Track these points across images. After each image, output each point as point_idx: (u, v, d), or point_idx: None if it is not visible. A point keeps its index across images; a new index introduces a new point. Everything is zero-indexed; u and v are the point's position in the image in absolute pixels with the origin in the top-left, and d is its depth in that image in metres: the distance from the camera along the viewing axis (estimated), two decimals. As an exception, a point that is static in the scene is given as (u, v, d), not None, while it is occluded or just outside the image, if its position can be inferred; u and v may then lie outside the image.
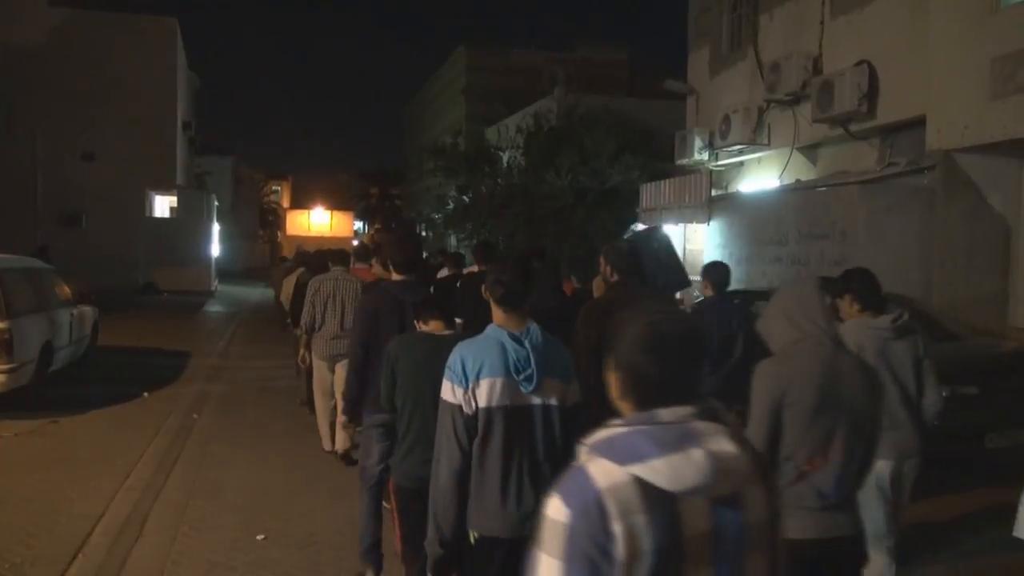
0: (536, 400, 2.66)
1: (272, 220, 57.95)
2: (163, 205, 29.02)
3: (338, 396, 6.12)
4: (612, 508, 1.41)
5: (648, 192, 13.51)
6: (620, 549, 1.40)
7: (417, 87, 55.56)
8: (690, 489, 1.43)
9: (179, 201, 28.07)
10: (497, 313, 2.81)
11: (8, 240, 15.23)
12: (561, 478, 1.53)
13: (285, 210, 61.33)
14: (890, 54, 8.77)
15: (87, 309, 10.73)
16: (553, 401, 2.68)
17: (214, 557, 4.73)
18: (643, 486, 1.42)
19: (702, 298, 5.82)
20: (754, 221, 10.12)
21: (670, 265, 6.28)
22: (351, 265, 7.80)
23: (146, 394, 9.38)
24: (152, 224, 26.59)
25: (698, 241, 12.15)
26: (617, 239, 5.09)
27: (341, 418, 4.87)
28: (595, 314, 3.89)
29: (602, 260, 4.34)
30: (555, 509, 1.46)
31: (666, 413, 1.51)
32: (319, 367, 6.88)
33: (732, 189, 12.53)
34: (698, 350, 1.66)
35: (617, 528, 1.40)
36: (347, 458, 6.45)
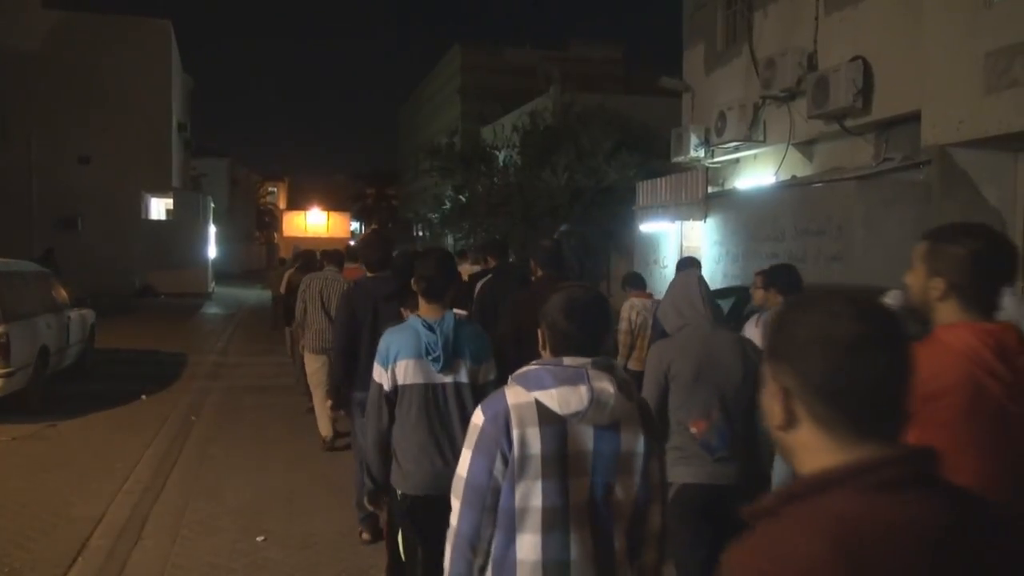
0: (447, 379, 3.09)
1: (269, 221, 57.90)
2: (159, 207, 28.97)
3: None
4: (514, 419, 1.98)
5: (644, 190, 13.51)
6: (515, 449, 1.96)
7: (412, 87, 55.54)
8: (573, 413, 1.96)
9: (175, 203, 28.03)
10: (421, 303, 3.27)
11: (4, 244, 15.21)
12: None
13: (281, 211, 61.33)
14: (884, 49, 8.78)
15: (84, 312, 10.71)
16: (464, 379, 3.10)
17: (214, 559, 4.72)
18: (540, 407, 1.98)
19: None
20: (751, 218, 10.13)
21: (588, 260, 6.81)
22: (344, 265, 8.11)
23: (144, 396, 9.37)
24: (148, 227, 26.55)
25: (695, 238, 12.16)
26: (545, 239, 5.59)
27: (327, 402, 5.52)
28: (518, 307, 4.35)
29: (531, 259, 5.00)
30: (476, 416, 2.04)
31: (569, 360, 2.04)
32: (310, 360, 7.29)
33: (728, 186, 12.53)
34: (601, 316, 2.12)
35: (515, 433, 1.96)
36: (330, 444, 7.04)
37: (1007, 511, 1.06)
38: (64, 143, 24.31)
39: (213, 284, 27.88)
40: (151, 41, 26.47)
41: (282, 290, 10.41)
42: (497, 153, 19.57)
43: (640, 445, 2.07)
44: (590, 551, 2.01)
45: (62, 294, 9.98)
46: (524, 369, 2.08)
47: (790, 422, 1.09)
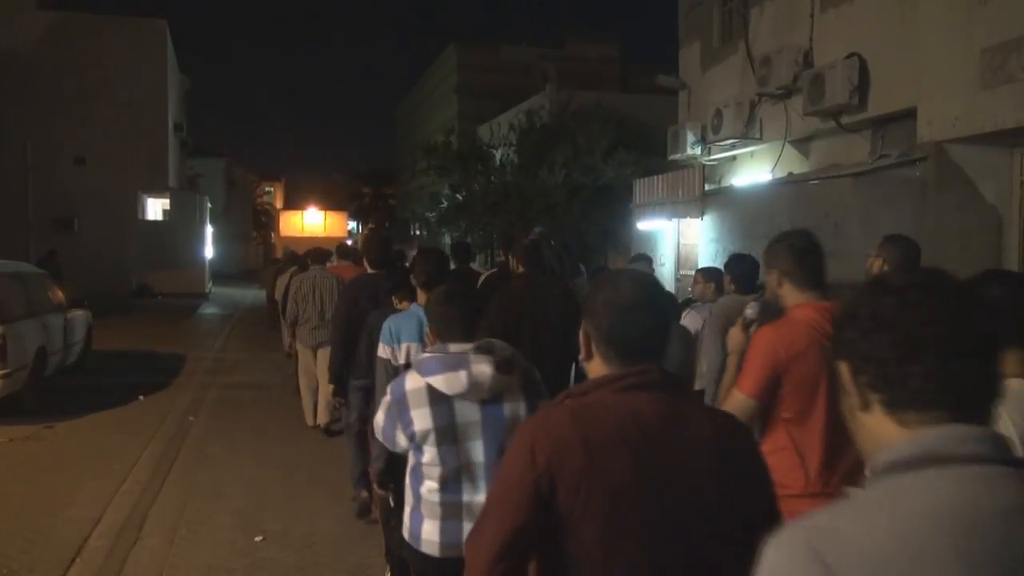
0: None
1: (265, 221, 57.81)
2: (156, 208, 28.92)
3: (321, 378, 7.35)
4: (411, 401, 2.52)
5: (641, 188, 13.51)
6: (416, 425, 2.50)
7: (408, 86, 55.49)
8: (458, 394, 2.48)
9: (172, 203, 27.98)
10: (420, 294, 3.80)
11: (1, 246, 15.19)
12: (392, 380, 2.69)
13: (278, 211, 61.30)
14: (880, 46, 8.78)
15: (81, 313, 10.70)
16: None
17: (212, 559, 4.72)
18: (431, 389, 2.50)
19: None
20: (747, 215, 10.13)
21: (565, 259, 7.37)
22: (334, 262, 8.85)
23: (142, 397, 9.36)
24: (145, 227, 26.50)
25: (692, 236, 12.17)
26: (524, 238, 6.30)
27: (328, 388, 5.90)
28: (501, 301, 4.82)
29: (512, 256, 5.41)
30: (387, 394, 2.61)
31: (453, 347, 2.56)
32: (303, 353, 7.83)
33: (725, 183, 12.53)
34: (470, 308, 2.66)
35: (413, 413, 2.51)
36: (328, 430, 7.54)
37: (702, 406, 1.61)
38: (60, 144, 24.26)
39: (210, 284, 27.85)
40: (147, 41, 26.41)
41: (278, 294, 10.75)
42: (494, 152, 19.55)
43: (522, 410, 2.58)
44: (482, 496, 2.50)
45: (59, 295, 9.96)
46: (421, 357, 2.63)
47: (589, 355, 1.66)
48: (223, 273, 35.27)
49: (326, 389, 6.70)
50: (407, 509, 2.69)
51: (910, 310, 0.99)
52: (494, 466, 2.46)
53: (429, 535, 2.58)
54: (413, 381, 2.55)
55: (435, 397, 2.51)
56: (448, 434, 2.52)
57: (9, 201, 23.27)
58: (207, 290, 26.80)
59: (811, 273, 2.67)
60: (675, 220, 12.43)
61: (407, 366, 3.40)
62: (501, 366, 2.52)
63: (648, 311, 1.62)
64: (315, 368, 7.66)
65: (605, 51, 37.73)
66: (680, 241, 12.39)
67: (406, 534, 2.68)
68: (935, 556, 0.86)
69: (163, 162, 26.98)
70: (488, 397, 2.53)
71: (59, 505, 5.59)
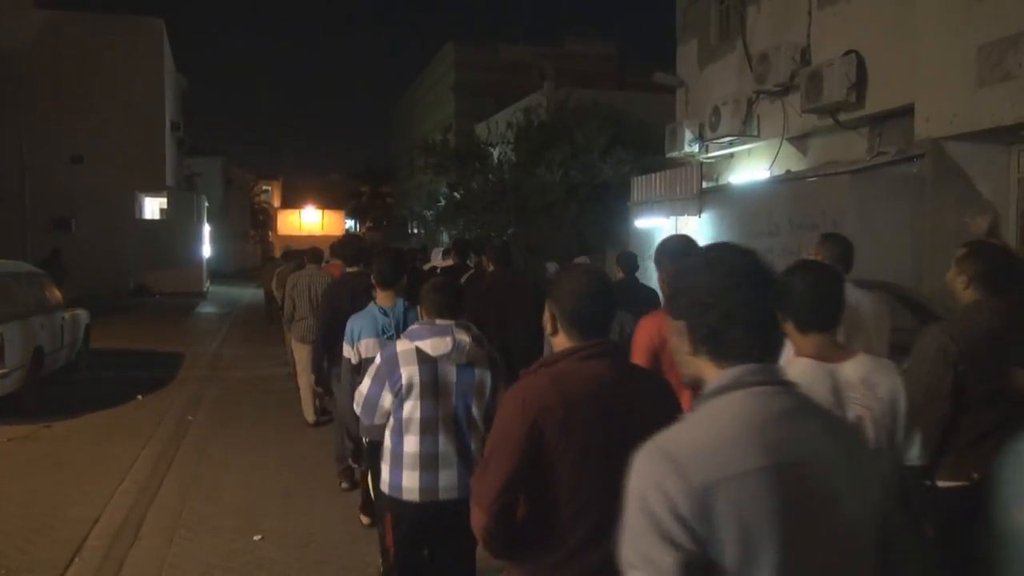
0: None
1: (263, 220, 57.76)
2: (153, 207, 28.88)
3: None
4: (400, 360, 3.03)
5: (639, 185, 13.52)
6: (403, 381, 3.01)
7: (406, 84, 55.41)
8: (441, 355, 3.03)
9: (169, 203, 27.93)
10: (378, 293, 4.20)
11: (-3, 245, 15.15)
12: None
13: (276, 210, 61.25)
14: (878, 43, 8.79)
15: (78, 312, 10.68)
16: None
17: (211, 559, 4.72)
18: (419, 352, 3.03)
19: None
20: (745, 212, 10.14)
21: (531, 258, 8.19)
22: (328, 260, 9.07)
23: (140, 397, 9.35)
24: (142, 226, 26.46)
25: (690, 233, 12.17)
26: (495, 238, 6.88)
27: (312, 379, 6.37)
28: (474, 293, 5.41)
29: (484, 256, 6.29)
30: (377, 358, 3.14)
31: (440, 320, 3.13)
32: (299, 348, 7.94)
33: (723, 181, 12.54)
34: (454, 294, 3.21)
35: (402, 371, 3.02)
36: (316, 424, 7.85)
37: (641, 368, 2.05)
38: (57, 143, 24.20)
39: (208, 283, 27.82)
40: (144, 40, 26.36)
41: (276, 289, 11.11)
42: (492, 150, 19.53)
43: (488, 378, 3.13)
44: (453, 448, 3.06)
45: (56, 294, 9.94)
46: (412, 328, 3.19)
47: (555, 331, 2.10)
48: (221, 272, 35.24)
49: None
50: (386, 467, 3.12)
51: (732, 289, 1.41)
52: (464, 418, 3.10)
53: (410, 483, 3.04)
54: (403, 345, 3.10)
55: (422, 357, 3.05)
56: (430, 389, 3.04)
57: (6, 201, 23.21)
58: (205, 289, 26.77)
59: None
60: (673, 218, 12.44)
61: (364, 362, 3.82)
62: (477, 340, 3.14)
63: (601, 297, 2.07)
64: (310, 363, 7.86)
65: (603, 49, 37.74)
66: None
67: (386, 488, 3.12)
68: (737, 442, 1.30)
69: (160, 161, 26.95)
70: (464, 362, 3.09)
71: (57, 504, 5.58)
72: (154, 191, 27.49)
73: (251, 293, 25.95)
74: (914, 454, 2.41)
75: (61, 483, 6.08)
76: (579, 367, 1.98)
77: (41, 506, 5.56)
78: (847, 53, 8.96)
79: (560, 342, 2.09)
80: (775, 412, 1.35)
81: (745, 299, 1.40)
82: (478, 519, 1.97)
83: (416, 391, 3.02)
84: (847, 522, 1.35)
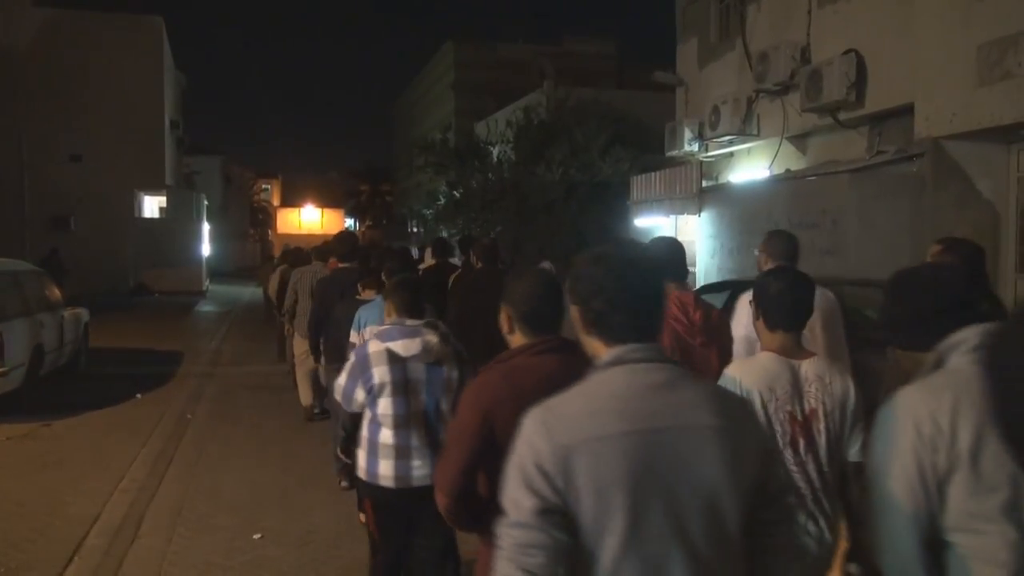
0: None
1: (263, 219, 57.75)
2: (152, 205, 28.87)
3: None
4: (372, 360, 3.23)
5: (638, 184, 13.52)
6: (375, 380, 3.21)
7: (405, 83, 55.37)
8: (411, 356, 3.23)
9: (168, 201, 27.92)
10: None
11: (-4, 243, 15.14)
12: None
13: (275, 208, 61.22)
14: (877, 42, 8.79)
15: (78, 311, 10.67)
16: None
17: (211, 557, 4.72)
18: (389, 352, 3.23)
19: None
20: (745, 211, 10.13)
21: (517, 256, 8.73)
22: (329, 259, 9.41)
23: (139, 395, 9.35)
24: (142, 225, 26.45)
25: (689, 232, 12.17)
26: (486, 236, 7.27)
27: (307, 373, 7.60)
28: (459, 291, 6.07)
29: (471, 253, 6.86)
30: (351, 357, 3.34)
31: (409, 321, 3.33)
32: (299, 342, 8.15)
33: (722, 180, 12.54)
34: (418, 293, 3.43)
35: (374, 371, 3.22)
36: (309, 413, 8.08)
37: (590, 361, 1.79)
38: (56, 141, 24.20)
39: (207, 282, 27.80)
40: (143, 39, 26.34)
41: (272, 289, 11.26)
42: (491, 148, 19.52)
43: (455, 374, 3.34)
44: (426, 440, 3.28)
45: (55, 293, 9.94)
46: (382, 328, 3.39)
47: (511, 330, 2.30)
48: (220, 271, 35.22)
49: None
50: (363, 455, 3.33)
51: (615, 280, 1.60)
52: (434, 413, 3.31)
53: (386, 471, 3.26)
54: (375, 346, 3.28)
55: (392, 358, 3.25)
56: (400, 387, 3.25)
57: (5, 199, 23.21)
58: (204, 288, 26.75)
59: (673, 269, 3.45)
60: (672, 217, 12.44)
61: None
62: (444, 338, 3.34)
63: (550, 298, 2.26)
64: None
65: (602, 48, 37.74)
66: (677, 238, 12.37)
67: (363, 475, 3.34)
68: (601, 410, 1.50)
69: (159, 160, 26.94)
70: (432, 361, 3.30)
71: (56, 503, 5.58)
72: (153, 190, 27.48)
73: (250, 292, 25.93)
74: (855, 451, 2.52)
75: (60, 481, 6.08)
76: (531, 361, 2.19)
77: (40, 504, 5.56)
78: (847, 52, 8.96)
79: (516, 340, 2.29)
80: (644, 385, 1.54)
81: (626, 288, 1.60)
82: (440, 501, 2.22)
83: (388, 389, 3.23)
84: (705, 488, 1.49)
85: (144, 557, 4.73)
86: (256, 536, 5.04)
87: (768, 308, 2.59)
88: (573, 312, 1.69)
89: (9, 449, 7.05)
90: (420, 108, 46.87)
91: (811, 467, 2.47)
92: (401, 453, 3.24)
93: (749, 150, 11.92)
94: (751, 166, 11.87)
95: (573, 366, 2.01)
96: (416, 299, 3.38)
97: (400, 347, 3.23)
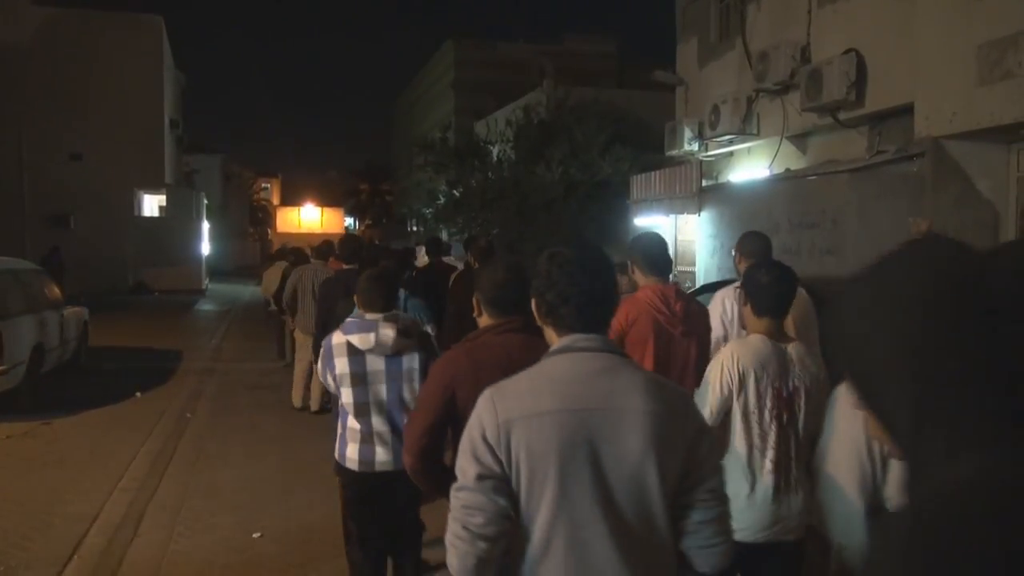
0: None
1: (262, 218, 57.72)
2: (152, 204, 28.85)
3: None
4: (335, 352, 3.42)
5: (638, 184, 13.51)
6: (337, 371, 3.40)
7: (405, 82, 55.33)
8: (368, 348, 3.38)
9: (168, 200, 27.91)
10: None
11: (-4, 242, 15.14)
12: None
13: (275, 207, 61.18)
14: (878, 42, 8.78)
15: (77, 310, 10.67)
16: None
17: (210, 556, 4.72)
18: (349, 345, 3.39)
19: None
20: (745, 211, 10.13)
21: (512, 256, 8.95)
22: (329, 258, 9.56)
23: (139, 394, 9.35)
24: (141, 223, 26.43)
25: (689, 232, 12.17)
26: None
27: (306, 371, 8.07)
28: (458, 288, 6.42)
29: (470, 254, 7.36)
30: (321, 348, 3.54)
31: (369, 315, 3.43)
32: (300, 338, 8.46)
33: (722, 179, 12.53)
34: (385, 287, 3.54)
35: (336, 361, 3.41)
36: (319, 409, 8.20)
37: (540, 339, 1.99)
38: (55, 140, 24.18)
39: (207, 281, 27.79)
40: (143, 37, 26.32)
41: (271, 285, 11.43)
42: (491, 148, 19.52)
43: (416, 363, 3.45)
44: (387, 428, 3.44)
45: (55, 291, 9.94)
46: (346, 323, 3.50)
47: (480, 312, 2.55)
48: (220, 270, 35.20)
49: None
50: (338, 438, 3.58)
51: (566, 276, 1.81)
52: (396, 403, 3.46)
53: (352, 455, 3.48)
54: (337, 338, 3.47)
55: (352, 350, 3.42)
56: (360, 379, 3.42)
57: (5, 198, 23.20)
58: (204, 286, 26.75)
59: (654, 263, 3.75)
60: (672, 216, 12.43)
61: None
62: (402, 331, 3.42)
63: (514, 285, 2.47)
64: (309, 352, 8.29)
65: (603, 47, 37.73)
66: (677, 237, 12.40)
67: (336, 455, 3.59)
68: (540, 390, 1.70)
69: (159, 158, 26.92)
70: (391, 353, 3.42)
71: (56, 501, 5.58)
72: (153, 188, 27.47)
73: (250, 291, 25.92)
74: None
75: (60, 480, 6.08)
76: (494, 340, 2.44)
77: (40, 502, 5.56)
78: (847, 52, 8.95)
79: (484, 321, 2.56)
80: (585, 371, 1.73)
81: (575, 284, 1.80)
82: (406, 459, 2.46)
83: (348, 380, 3.42)
84: (630, 465, 1.66)
85: (144, 555, 4.73)
86: (256, 534, 5.04)
87: (757, 296, 2.91)
88: (533, 303, 1.92)
89: (9, 447, 7.05)
90: (420, 107, 46.86)
91: (792, 439, 2.81)
92: (365, 439, 3.45)
93: (749, 150, 11.92)
94: (751, 166, 11.87)
95: (532, 345, 2.15)
96: (383, 295, 3.50)
97: (357, 340, 3.39)
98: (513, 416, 1.67)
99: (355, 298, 3.64)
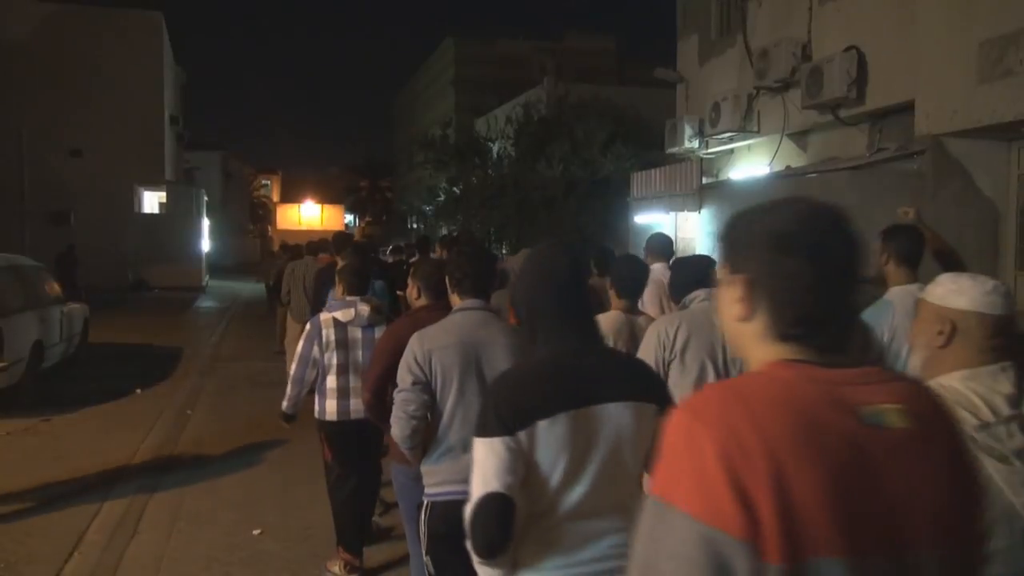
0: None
1: (262, 214, 57.68)
2: (152, 201, 28.84)
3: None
4: (323, 326, 4.41)
5: (638, 181, 13.50)
6: (324, 339, 4.38)
7: (406, 79, 55.29)
8: (349, 321, 4.41)
9: (168, 197, 27.90)
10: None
11: (-4, 238, 15.14)
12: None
13: (275, 204, 61.16)
14: (879, 39, 8.77)
15: (77, 307, 10.67)
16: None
17: (210, 552, 4.73)
18: (335, 320, 4.42)
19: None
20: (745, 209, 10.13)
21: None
22: (319, 254, 10.06)
23: (139, 391, 9.35)
24: (141, 220, 26.43)
25: (689, 229, 12.16)
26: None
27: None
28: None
29: (440, 249, 7.99)
30: (308, 327, 4.52)
31: (348, 297, 4.52)
32: (291, 325, 9.14)
33: (723, 177, 12.52)
34: (360, 277, 4.64)
35: (324, 332, 4.40)
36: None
37: (502, 320, 2.93)
38: (56, 136, 24.17)
39: (207, 278, 27.79)
40: (143, 34, 26.31)
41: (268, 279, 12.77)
42: (491, 145, 19.50)
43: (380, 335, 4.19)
44: (359, 384, 4.08)
45: (55, 288, 9.93)
46: (329, 303, 4.69)
47: (417, 296, 3.57)
48: (220, 266, 35.20)
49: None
50: (317, 399, 4.46)
51: (465, 263, 2.89)
52: (367, 364, 4.04)
53: (331, 409, 4.40)
54: (324, 316, 4.48)
55: (336, 324, 4.42)
56: (342, 344, 4.40)
57: (5, 194, 23.19)
58: (204, 283, 26.74)
59: (663, 251, 5.47)
60: (672, 213, 12.42)
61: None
62: (375, 308, 4.49)
63: (443, 277, 3.14)
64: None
65: (603, 44, 37.67)
66: (678, 235, 12.39)
67: (316, 414, 4.48)
68: (447, 331, 2.80)
69: (159, 155, 26.91)
70: (366, 324, 4.43)
71: (56, 498, 5.59)
72: (153, 185, 27.46)
73: (251, 288, 25.92)
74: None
75: (60, 476, 6.08)
76: (430, 314, 3.21)
77: (40, 499, 5.56)
78: (848, 49, 8.94)
79: (420, 302, 3.53)
80: (472, 321, 2.80)
81: (471, 267, 2.87)
82: (364, 396, 3.47)
83: (333, 345, 4.39)
84: (498, 372, 2.30)
85: (144, 552, 4.74)
86: (256, 532, 5.05)
87: (619, 284, 3.93)
88: (447, 280, 2.96)
89: (8, 444, 7.06)
90: (420, 104, 46.83)
91: None
92: (342, 394, 4.37)
93: (749, 147, 11.91)
94: (751, 163, 11.85)
95: (485, 321, 2.98)
96: (358, 283, 4.62)
97: (340, 315, 4.44)
98: (432, 347, 2.76)
99: (337, 284, 4.72)
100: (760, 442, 0.96)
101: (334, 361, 4.38)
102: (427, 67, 45.53)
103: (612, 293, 3.88)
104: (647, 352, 3.18)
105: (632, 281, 3.94)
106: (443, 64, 40.87)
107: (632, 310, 3.90)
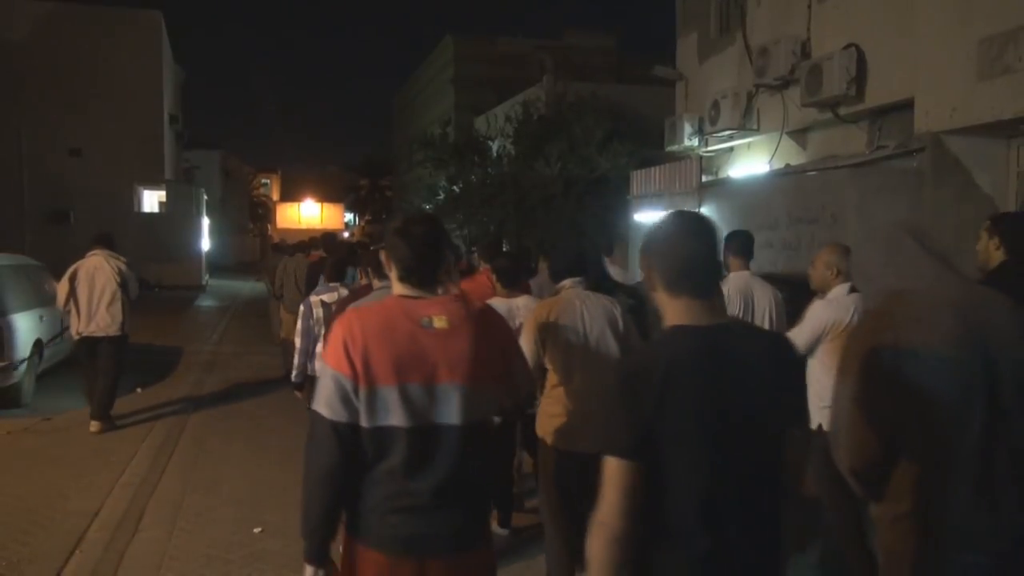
0: None
1: (262, 213, 57.67)
2: (152, 200, 28.83)
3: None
4: (313, 306, 5.67)
5: (638, 179, 13.50)
6: (315, 317, 5.63)
7: (405, 77, 55.24)
8: (332, 301, 5.53)
9: (168, 196, 27.88)
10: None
11: (-4, 238, 15.14)
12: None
13: (275, 203, 61.12)
14: (878, 37, 8.77)
15: (78, 306, 10.64)
16: None
17: (212, 551, 4.74)
18: (322, 301, 5.64)
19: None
20: (744, 206, 10.12)
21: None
22: (309, 252, 11.06)
23: (139, 389, 9.36)
24: (141, 219, 26.40)
25: (689, 227, 12.14)
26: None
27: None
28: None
29: (478, 255, 8.40)
30: (302, 307, 5.80)
31: (331, 283, 5.91)
32: (286, 316, 9.75)
33: (722, 175, 12.53)
34: (340, 268, 6.15)
35: (314, 310, 5.65)
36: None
37: (458, 304, 2.68)
38: (55, 136, 24.16)
39: (207, 276, 27.79)
40: (142, 33, 26.29)
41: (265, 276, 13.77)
42: (491, 143, 19.48)
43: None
44: None
45: (55, 287, 9.92)
46: (316, 287, 5.98)
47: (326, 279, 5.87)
48: (220, 265, 35.20)
49: None
50: (316, 362, 5.25)
51: (403, 246, 2.55)
52: None
53: (318, 367, 4.91)
54: (314, 298, 5.62)
55: (324, 304, 5.52)
56: (329, 319, 5.15)
57: (4, 194, 23.19)
58: (204, 282, 26.75)
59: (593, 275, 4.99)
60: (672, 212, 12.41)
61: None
62: (351, 291, 5.36)
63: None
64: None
65: (602, 42, 37.63)
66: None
67: (310, 371, 5.43)
68: (382, 315, 2.44)
69: (159, 154, 26.90)
70: (349, 302, 4.73)
71: (57, 497, 5.60)
72: (153, 184, 27.44)
73: (251, 287, 25.92)
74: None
75: (61, 476, 6.10)
76: (391, 302, 3.45)
77: (41, 499, 5.57)
78: (847, 47, 8.93)
79: (397, 288, 3.52)
80: (408, 303, 2.56)
81: (408, 251, 2.58)
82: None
83: (321, 320, 5.47)
84: (441, 355, 2.47)
85: (145, 551, 4.75)
86: (257, 530, 5.05)
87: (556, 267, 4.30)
88: (383, 256, 2.80)
89: (9, 443, 7.07)
90: (420, 102, 46.78)
91: None
92: None
93: (749, 145, 11.91)
94: (751, 161, 11.86)
95: (428, 305, 3.06)
96: (335, 271, 5.92)
97: (326, 297, 5.55)
98: (365, 330, 2.67)
99: (323, 274, 5.93)
100: (360, 332, 2.34)
101: (322, 332, 5.41)
102: (426, 65, 45.48)
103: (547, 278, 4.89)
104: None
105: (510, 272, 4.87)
106: (442, 62, 40.83)
107: (512, 295, 4.75)
